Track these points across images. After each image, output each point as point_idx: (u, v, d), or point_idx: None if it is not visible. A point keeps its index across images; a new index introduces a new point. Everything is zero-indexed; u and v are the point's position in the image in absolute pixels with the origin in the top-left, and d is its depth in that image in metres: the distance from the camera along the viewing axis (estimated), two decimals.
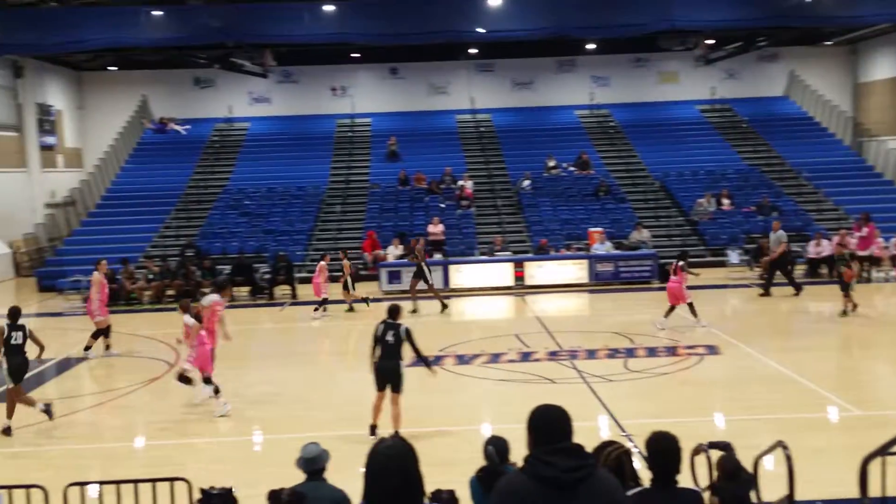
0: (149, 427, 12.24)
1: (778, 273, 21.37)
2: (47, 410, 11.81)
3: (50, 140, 34.18)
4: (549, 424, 3.60)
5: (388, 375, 10.55)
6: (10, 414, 11.63)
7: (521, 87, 37.56)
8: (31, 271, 28.77)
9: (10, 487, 6.59)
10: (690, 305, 17.11)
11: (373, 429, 10.62)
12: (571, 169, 31.66)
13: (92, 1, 23.82)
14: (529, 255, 25.18)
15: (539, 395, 12.28)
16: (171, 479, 7.01)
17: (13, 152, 31.86)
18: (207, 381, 12.24)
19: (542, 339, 16.79)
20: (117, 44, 25.06)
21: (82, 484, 7.34)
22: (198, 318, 12.49)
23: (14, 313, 12.04)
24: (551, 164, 31.62)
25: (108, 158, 34.51)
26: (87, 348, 16.68)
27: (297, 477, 5.83)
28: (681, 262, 17.23)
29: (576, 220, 27.74)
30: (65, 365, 16.34)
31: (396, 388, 10.56)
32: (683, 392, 12.88)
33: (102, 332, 16.81)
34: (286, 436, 10.82)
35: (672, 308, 17.17)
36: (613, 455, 4.78)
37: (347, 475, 5.82)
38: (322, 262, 20.86)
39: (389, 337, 10.52)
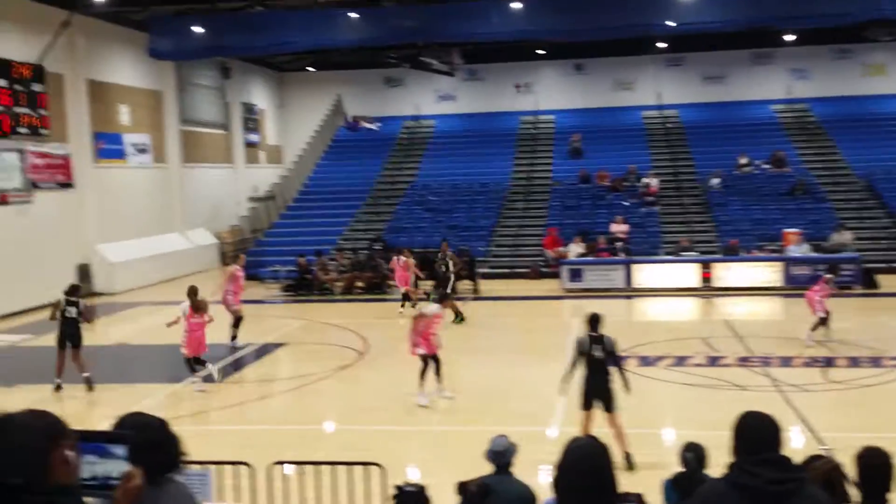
0: (339, 412, 12.79)
1: None
2: (89, 380, 13.77)
3: (253, 137, 36.48)
4: (756, 432, 3.44)
5: (599, 394, 9.62)
6: (59, 373, 13.74)
7: (711, 81, 36.14)
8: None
9: (218, 463, 7.03)
10: (822, 320, 15.75)
11: (627, 458, 9.51)
12: (765, 166, 30.12)
13: (294, 5, 25.13)
14: (718, 256, 24.19)
15: (728, 402, 11.77)
16: (366, 464, 7.27)
17: (221, 149, 34.27)
18: (200, 361, 13.86)
19: (731, 343, 16.08)
20: (317, 45, 26.32)
21: (285, 463, 7.75)
22: (197, 308, 13.86)
23: (72, 290, 14.28)
24: (743, 161, 30.23)
25: (305, 155, 36.35)
26: (234, 338, 17.23)
27: (482, 468, 5.88)
28: (828, 276, 16.21)
29: (769, 221, 26.36)
30: (262, 350, 17.35)
31: (610, 407, 9.63)
32: (890, 406, 11.93)
33: (240, 320, 17.27)
34: (470, 428, 10.98)
35: (821, 320, 15.85)
36: (823, 470, 4.48)
37: (522, 471, 5.82)
38: (403, 258, 21.09)
39: (597, 351, 9.65)
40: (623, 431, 9.59)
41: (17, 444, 2.42)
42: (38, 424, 2.48)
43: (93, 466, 2.61)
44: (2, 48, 18.80)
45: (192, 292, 14.22)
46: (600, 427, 9.44)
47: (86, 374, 13.83)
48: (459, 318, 19.23)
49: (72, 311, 13.87)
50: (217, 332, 16.73)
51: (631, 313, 21.56)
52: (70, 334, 13.83)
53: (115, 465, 2.61)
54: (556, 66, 37.16)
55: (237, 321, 17.29)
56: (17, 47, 21.23)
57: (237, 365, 16.12)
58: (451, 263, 19.73)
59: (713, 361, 14.71)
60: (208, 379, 13.96)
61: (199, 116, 32.54)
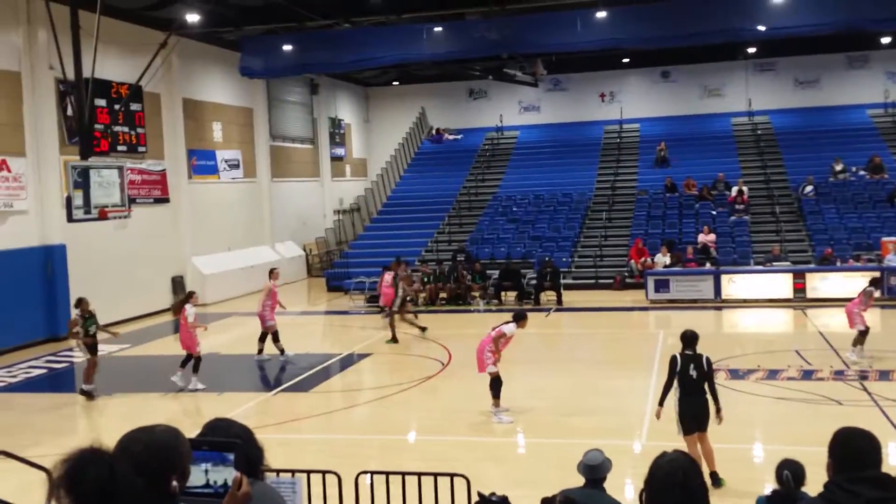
0: (423, 423, 12.84)
1: None
2: (91, 392, 14.45)
3: (339, 151, 37.13)
4: (855, 449, 3.30)
5: (699, 415, 9.18)
6: (88, 379, 14.52)
7: (804, 85, 35.09)
8: (320, 272, 31.33)
9: (308, 472, 7.14)
10: (860, 333, 14.93)
11: (713, 476, 9.07)
12: (862, 173, 29.04)
13: (380, 21, 25.51)
14: (811, 266, 23.39)
15: (824, 417, 11.37)
16: (452, 475, 7.27)
17: (309, 163, 34.99)
18: (192, 359, 14.87)
19: (825, 356, 15.50)
20: (402, 60, 26.63)
21: (372, 473, 7.82)
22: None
23: (77, 302, 15.00)
24: (838, 167, 29.20)
25: (390, 168, 36.78)
26: (260, 351, 17.35)
27: (565, 482, 5.81)
28: (869, 288, 15.26)
29: (865, 229, 25.38)
30: (348, 361, 17.58)
31: (704, 427, 9.21)
32: None
33: (270, 335, 17.26)
34: (553, 440, 10.88)
35: (860, 334, 15.02)
36: None
37: (607, 485, 5.73)
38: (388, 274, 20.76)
39: (693, 371, 9.18)
40: (712, 450, 9.26)
41: (162, 447, 2.61)
42: (177, 443, 2.66)
43: (207, 475, 2.67)
44: (103, 69, 19.63)
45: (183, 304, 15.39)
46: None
47: (89, 387, 14.57)
48: (393, 339, 18.86)
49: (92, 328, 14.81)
50: (294, 342, 17.00)
51: (720, 325, 21.02)
52: (92, 344, 14.80)
53: (225, 473, 2.67)
54: (641, 73, 36.68)
55: (265, 335, 17.32)
56: (116, 68, 22.14)
57: (325, 375, 16.38)
58: (401, 285, 19.37)
59: (807, 375, 14.21)
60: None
61: (288, 132, 33.31)
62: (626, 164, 33.29)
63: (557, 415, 12.51)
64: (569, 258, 26.83)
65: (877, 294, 15.44)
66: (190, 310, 15.08)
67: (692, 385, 9.16)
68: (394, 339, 18.79)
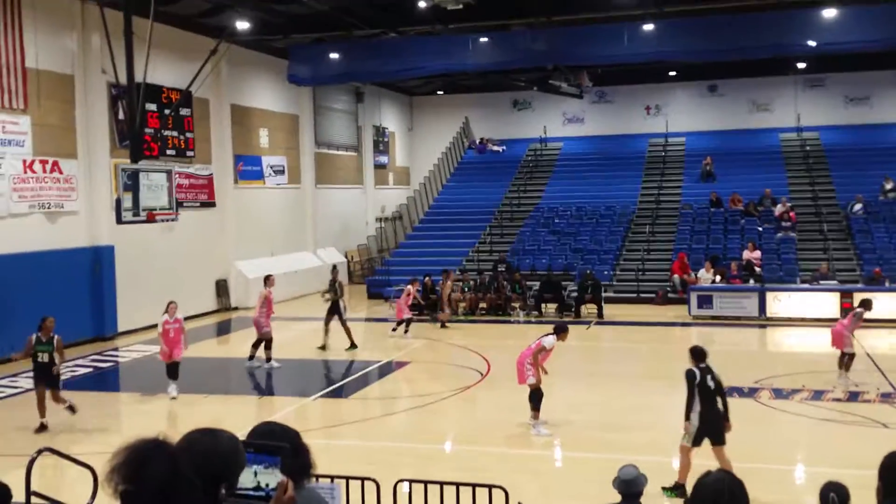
0: (459, 432, 12.83)
1: None
2: (71, 407, 12.79)
3: (383, 159, 37.36)
4: None
5: (718, 424, 9.41)
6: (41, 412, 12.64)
7: (854, 102, 34.50)
8: (362, 279, 31.51)
9: (347, 478, 7.17)
10: (850, 357, 14.72)
11: (678, 487, 9.33)
12: None
13: (426, 31, 25.65)
14: (860, 286, 22.92)
15: (869, 440, 11.14)
16: (490, 486, 7.26)
17: (353, 170, 35.26)
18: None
19: (873, 377, 15.19)
20: (447, 70, 26.75)
21: (411, 481, 7.83)
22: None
23: (42, 321, 12.80)
24: (889, 186, 28.62)
25: (432, 176, 36.90)
26: (251, 357, 17.19)
27: (601, 496, 5.77)
28: (859, 309, 14.97)
29: None
30: (386, 368, 17.63)
31: (721, 439, 9.40)
32: None
33: (263, 342, 17.05)
34: (591, 455, 10.81)
35: (843, 356, 14.78)
36: None
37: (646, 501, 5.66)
38: (409, 287, 21.36)
39: (710, 382, 9.45)
40: (731, 466, 9.15)
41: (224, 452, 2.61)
42: (237, 453, 2.66)
43: (257, 477, 2.68)
44: (154, 74, 20.01)
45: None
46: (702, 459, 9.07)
47: (68, 405, 12.86)
48: (352, 345, 18.93)
49: (44, 357, 12.58)
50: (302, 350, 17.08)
51: (765, 343, 20.72)
52: (42, 377, 12.66)
53: (273, 476, 2.69)
54: (688, 87, 36.38)
55: (259, 342, 17.09)
56: (167, 73, 22.55)
57: (364, 382, 16.45)
58: (339, 288, 19.37)
59: (853, 397, 13.93)
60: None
61: (333, 139, 33.60)
62: (671, 178, 33.00)
63: (595, 429, 12.42)
64: (610, 271, 26.64)
65: (867, 315, 15.20)
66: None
67: (711, 395, 9.46)
68: (352, 344, 18.87)
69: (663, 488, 9.30)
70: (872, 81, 34.09)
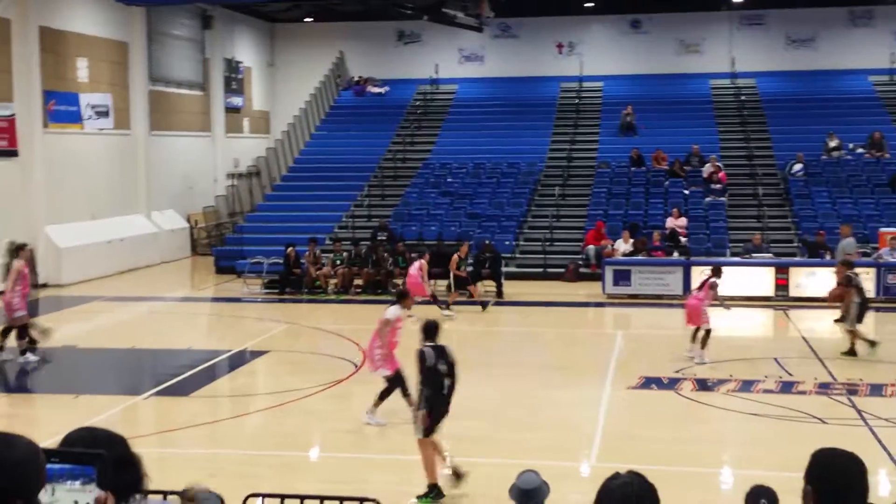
0: (326, 436, 12.84)
1: None
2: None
3: (236, 101, 36.64)
4: (836, 475, 3.40)
5: (445, 413, 10.14)
6: None
7: (798, 44, 35.91)
8: (208, 249, 30.96)
9: (182, 494, 7.05)
10: (707, 332, 16.22)
11: (433, 489, 9.89)
12: (860, 151, 29.93)
13: None
14: (797, 259, 24.03)
15: (804, 437, 11.72)
16: (361, 500, 7.31)
17: (197, 114, 34.43)
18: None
19: (809, 366, 15.98)
20: None
21: (264, 495, 7.78)
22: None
23: None
24: (833, 143, 30.04)
25: (298, 123, 36.47)
26: (1, 349, 16.41)
27: None
28: (713, 279, 16.50)
29: (861, 218, 26.17)
30: (238, 359, 17.43)
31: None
32: None
33: (15, 329, 16.37)
34: (486, 460, 10.98)
35: (697, 331, 16.28)
36: None
37: None
38: (422, 261, 21.46)
39: (442, 365, 9.96)
40: (433, 463, 9.82)
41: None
42: (37, 463, 2.59)
43: (73, 494, 2.62)
44: None
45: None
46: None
47: None
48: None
49: None
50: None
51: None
52: None
53: (89, 493, 2.63)
54: (606, 22, 37.07)
55: (9, 329, 16.34)
56: None
57: (210, 376, 16.22)
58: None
59: (787, 388, 14.61)
60: None
61: (172, 74, 32.71)
62: (586, 131, 33.65)
63: (491, 429, 12.61)
64: (513, 241, 27.05)
65: (720, 283, 16.46)
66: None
67: (440, 380, 9.82)
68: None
69: (417, 497, 9.69)
70: (819, 20, 35.50)
